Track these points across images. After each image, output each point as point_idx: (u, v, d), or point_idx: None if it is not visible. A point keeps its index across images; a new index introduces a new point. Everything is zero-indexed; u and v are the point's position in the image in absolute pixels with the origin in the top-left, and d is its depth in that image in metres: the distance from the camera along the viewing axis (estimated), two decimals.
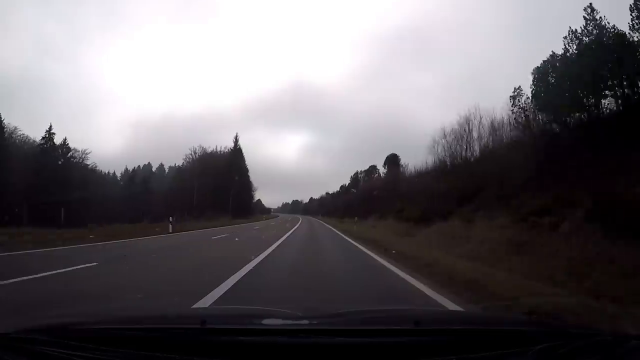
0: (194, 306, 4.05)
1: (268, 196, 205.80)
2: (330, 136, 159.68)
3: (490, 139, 21.71)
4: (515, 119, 19.99)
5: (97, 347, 1.15)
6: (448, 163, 24.62)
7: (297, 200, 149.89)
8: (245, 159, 67.55)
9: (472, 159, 22.57)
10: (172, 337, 1.26)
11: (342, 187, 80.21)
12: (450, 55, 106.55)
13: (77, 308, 3.92)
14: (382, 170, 55.64)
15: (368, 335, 1.31)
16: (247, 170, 63.40)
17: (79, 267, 7.32)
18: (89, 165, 45.04)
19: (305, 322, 1.57)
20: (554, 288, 5.84)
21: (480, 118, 22.54)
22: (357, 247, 13.68)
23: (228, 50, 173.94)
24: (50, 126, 39.36)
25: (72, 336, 1.23)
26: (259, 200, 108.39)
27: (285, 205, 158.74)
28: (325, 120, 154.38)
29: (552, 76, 18.20)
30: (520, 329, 1.51)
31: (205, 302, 4.53)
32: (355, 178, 71.30)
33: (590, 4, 16.65)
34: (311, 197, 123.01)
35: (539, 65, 18.89)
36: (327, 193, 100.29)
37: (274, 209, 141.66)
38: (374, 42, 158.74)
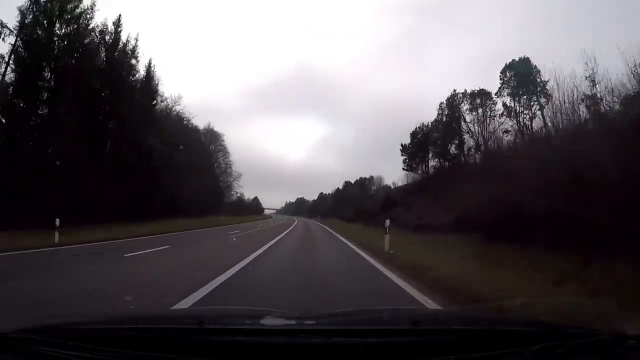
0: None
1: (273, 195, 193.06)
2: (340, 126, 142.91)
3: None
4: None
5: (94, 347, 1.15)
6: None
7: (302, 199, 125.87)
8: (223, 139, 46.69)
9: None
10: (169, 337, 1.26)
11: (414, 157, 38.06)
12: (489, 25, 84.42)
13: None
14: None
15: (367, 335, 1.31)
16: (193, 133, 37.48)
17: None
18: None
19: (304, 322, 1.57)
20: None
21: None
22: None
23: (226, 30, 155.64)
24: None
25: (69, 336, 1.23)
26: (255, 198, 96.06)
27: (288, 205, 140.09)
28: (335, 108, 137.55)
29: None
30: (518, 329, 1.51)
31: None
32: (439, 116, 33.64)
33: None
34: (321, 192, 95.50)
35: None
36: (347, 182, 68.42)
37: (277, 209, 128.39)
38: (393, 13, 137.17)
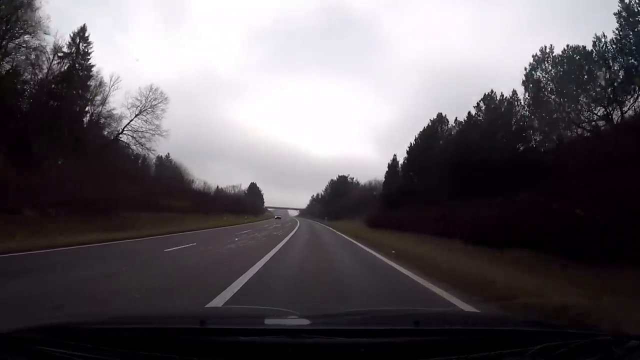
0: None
1: (300, 193, 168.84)
2: (380, 102, 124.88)
3: None
4: None
5: (96, 347, 1.15)
6: None
7: (343, 178, 75.01)
8: None
9: None
10: (171, 337, 1.26)
11: None
12: None
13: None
14: None
15: (369, 335, 1.31)
16: None
17: None
18: None
19: (306, 322, 1.57)
20: None
21: None
22: None
23: None
24: None
25: (71, 336, 1.23)
26: (253, 184, 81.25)
27: (315, 199, 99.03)
28: (371, 67, 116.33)
29: None
30: (519, 329, 1.51)
31: None
32: None
33: None
34: (394, 161, 36.98)
35: None
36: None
37: (302, 208, 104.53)
38: None
